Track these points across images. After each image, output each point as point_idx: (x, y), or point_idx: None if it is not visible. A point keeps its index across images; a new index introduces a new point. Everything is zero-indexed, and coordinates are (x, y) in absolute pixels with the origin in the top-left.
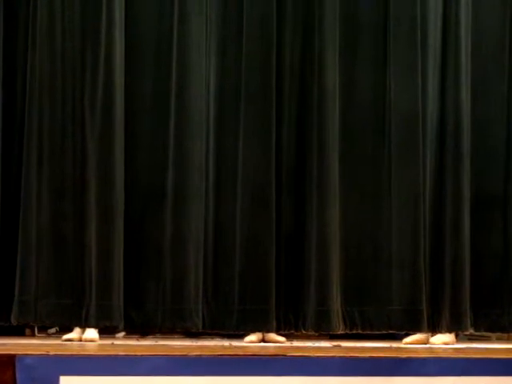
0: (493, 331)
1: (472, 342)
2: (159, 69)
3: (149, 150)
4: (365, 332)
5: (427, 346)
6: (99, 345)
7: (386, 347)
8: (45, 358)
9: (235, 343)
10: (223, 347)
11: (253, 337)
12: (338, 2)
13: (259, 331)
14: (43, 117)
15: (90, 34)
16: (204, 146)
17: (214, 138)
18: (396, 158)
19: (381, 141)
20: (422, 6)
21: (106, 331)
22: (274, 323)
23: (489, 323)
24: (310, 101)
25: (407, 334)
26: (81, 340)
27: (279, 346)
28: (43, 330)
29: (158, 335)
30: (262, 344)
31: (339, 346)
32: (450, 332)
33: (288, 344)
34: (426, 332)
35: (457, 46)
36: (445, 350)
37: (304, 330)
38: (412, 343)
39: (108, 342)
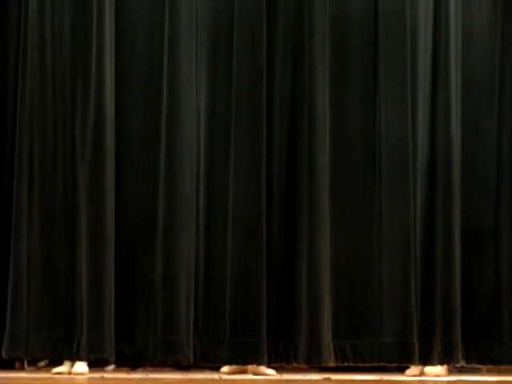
0: (484, 363)
1: (463, 375)
2: (149, 98)
3: (139, 181)
4: (356, 365)
5: (418, 378)
6: (89, 378)
7: (377, 380)
8: None
9: (225, 376)
10: (213, 380)
11: (225, 368)
12: (328, 30)
13: (250, 364)
14: (33, 146)
15: (81, 62)
16: (194, 177)
17: (205, 169)
18: (386, 188)
19: (371, 170)
20: (412, 35)
21: (95, 364)
22: (266, 356)
23: (480, 355)
24: (300, 128)
25: (398, 367)
26: (70, 373)
27: (269, 380)
28: (33, 363)
29: (148, 368)
30: (252, 377)
31: (329, 378)
32: (441, 364)
33: (278, 377)
34: (417, 364)
35: (447, 79)
36: (435, 382)
37: (295, 362)
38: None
39: (98, 375)
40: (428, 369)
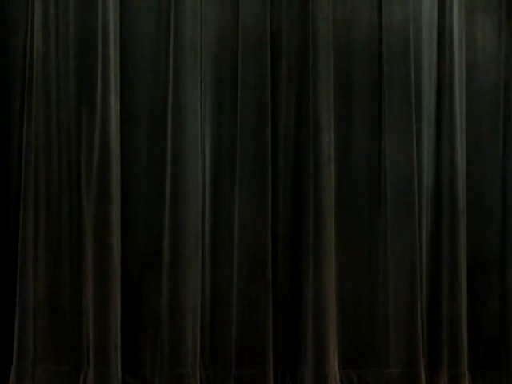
0: None
1: None
2: (155, 133)
3: (145, 215)
4: None
5: None
6: None
7: None
8: None
9: None
10: None
11: None
12: (332, 63)
13: None
14: (39, 182)
15: (86, 100)
16: (200, 211)
17: (210, 203)
18: (392, 220)
19: (376, 203)
20: (416, 67)
21: None
22: None
23: None
24: (305, 162)
25: None
26: None
27: None
28: None
29: None
30: None
31: None
32: None
33: None
34: None
35: (451, 109)
36: None
37: None
38: None
39: None
40: None
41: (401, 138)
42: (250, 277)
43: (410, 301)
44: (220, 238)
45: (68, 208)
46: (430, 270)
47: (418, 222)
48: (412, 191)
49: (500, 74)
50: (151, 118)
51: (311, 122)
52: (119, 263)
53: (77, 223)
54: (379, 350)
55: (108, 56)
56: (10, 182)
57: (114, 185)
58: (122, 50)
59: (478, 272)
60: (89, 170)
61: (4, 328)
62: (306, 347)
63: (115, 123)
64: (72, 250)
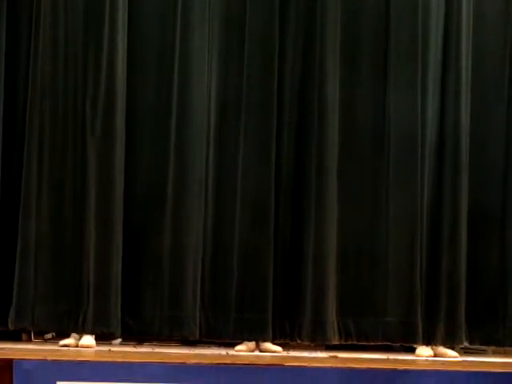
0: (487, 344)
1: (469, 356)
2: (161, 79)
3: (149, 160)
4: (359, 343)
5: (424, 358)
6: (96, 351)
7: (384, 359)
8: (42, 364)
9: (232, 352)
10: (220, 356)
11: (243, 346)
12: (339, 18)
13: (255, 340)
14: (44, 123)
15: (93, 41)
16: (204, 157)
17: (214, 150)
18: (394, 173)
19: (379, 157)
20: (423, 21)
21: (102, 338)
22: (271, 332)
23: (484, 337)
24: (310, 115)
25: (402, 346)
26: (77, 346)
27: (276, 356)
28: (40, 336)
29: (154, 343)
30: (259, 353)
31: (336, 356)
32: (444, 345)
33: (284, 354)
34: (421, 344)
35: (457, 64)
36: (442, 362)
37: (299, 339)
38: None
39: (105, 348)
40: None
41: (406, 91)
42: (251, 224)
43: (409, 252)
44: (223, 186)
45: (72, 148)
46: (431, 222)
47: (421, 175)
48: (415, 144)
49: (508, 30)
50: (158, 62)
51: (317, 72)
52: (122, 205)
53: (81, 164)
54: (377, 299)
55: (117, 1)
56: (15, 121)
57: (119, 127)
58: None
59: (479, 225)
60: (94, 111)
61: (5, 266)
62: (305, 295)
63: (122, 66)
64: (75, 190)
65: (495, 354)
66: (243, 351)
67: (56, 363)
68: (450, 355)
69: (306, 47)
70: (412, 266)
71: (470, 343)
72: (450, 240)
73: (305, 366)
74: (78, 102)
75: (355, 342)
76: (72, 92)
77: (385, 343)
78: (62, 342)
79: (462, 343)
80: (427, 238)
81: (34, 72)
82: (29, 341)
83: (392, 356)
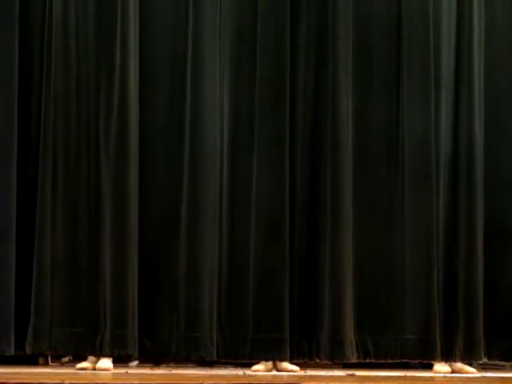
0: (506, 360)
1: (487, 372)
2: (173, 96)
3: (163, 180)
4: (378, 361)
5: (442, 374)
6: (113, 374)
7: (401, 376)
8: None
9: (249, 372)
10: (237, 376)
11: (260, 366)
12: (351, 31)
13: (273, 360)
14: (57, 145)
15: (105, 59)
16: (218, 176)
17: (228, 167)
18: (409, 187)
19: (394, 170)
20: (435, 34)
21: (119, 360)
22: (288, 352)
23: (502, 352)
24: (323, 128)
25: (421, 363)
26: (95, 369)
27: (293, 375)
28: (57, 359)
29: (171, 364)
30: (276, 373)
31: (353, 375)
32: (463, 361)
33: (302, 373)
34: (440, 361)
35: (470, 77)
36: (459, 378)
37: (318, 358)
38: None
39: (122, 371)
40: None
41: (419, 104)
42: (267, 242)
43: (426, 268)
44: (238, 203)
45: (86, 170)
46: (447, 236)
47: (436, 188)
48: (429, 157)
49: None
50: (170, 81)
51: (330, 86)
52: (137, 226)
53: (95, 185)
54: (395, 316)
55: (128, 19)
56: (28, 143)
57: (132, 148)
58: (141, 10)
59: (495, 240)
60: (107, 132)
61: (21, 291)
62: (322, 313)
63: (134, 84)
64: (90, 212)
65: None
66: (260, 371)
67: None
68: (468, 371)
69: (318, 60)
70: (429, 281)
71: (489, 359)
72: (467, 254)
73: None
74: (91, 124)
75: (373, 360)
76: (85, 113)
77: (403, 360)
78: (79, 366)
79: (480, 359)
80: (443, 253)
81: (47, 93)
82: (46, 364)
83: (409, 373)
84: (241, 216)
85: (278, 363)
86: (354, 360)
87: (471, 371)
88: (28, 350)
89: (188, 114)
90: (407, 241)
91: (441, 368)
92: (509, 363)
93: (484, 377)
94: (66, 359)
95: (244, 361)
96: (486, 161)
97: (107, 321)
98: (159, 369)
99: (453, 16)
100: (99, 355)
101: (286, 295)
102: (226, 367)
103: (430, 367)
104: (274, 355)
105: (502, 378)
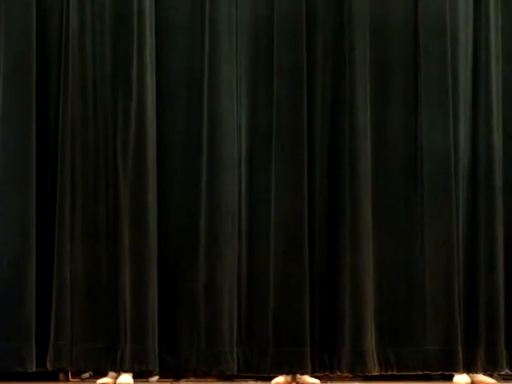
0: None
1: (508, 383)
2: (190, 112)
3: (181, 195)
4: (400, 373)
5: None
6: None
7: None
8: None
9: None
10: None
11: (280, 379)
12: (369, 43)
13: (294, 373)
14: (75, 162)
15: (122, 79)
16: (236, 191)
17: (246, 182)
18: (428, 199)
19: (413, 182)
20: (451, 47)
21: (139, 375)
22: (309, 365)
23: None
24: (341, 142)
25: (443, 375)
26: None
27: None
28: (77, 375)
29: (191, 379)
30: None
31: None
32: (485, 372)
33: None
34: (462, 372)
35: (488, 87)
36: None
37: (339, 371)
38: None
39: None
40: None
41: (437, 117)
42: (286, 255)
43: (446, 279)
44: (256, 217)
45: (105, 187)
46: (467, 248)
47: (455, 200)
48: (448, 171)
49: None
50: (187, 97)
51: (347, 101)
52: (156, 242)
53: (113, 203)
54: (417, 328)
55: (144, 34)
56: (46, 162)
57: (150, 163)
58: (157, 29)
59: None
60: (125, 150)
61: (42, 307)
62: (343, 326)
63: (151, 102)
64: (108, 229)
65: None
66: None
67: None
68: (489, 382)
69: (335, 76)
70: (450, 292)
71: (510, 369)
72: (487, 266)
73: None
74: (109, 142)
75: (395, 373)
76: (103, 131)
77: (425, 372)
78: (100, 381)
79: (502, 370)
80: (464, 264)
81: (64, 113)
82: (66, 380)
83: None
84: (260, 230)
85: (298, 376)
86: (376, 372)
87: (491, 382)
88: (49, 367)
89: (205, 130)
90: (427, 253)
91: (461, 379)
92: None
93: None
94: (86, 375)
95: (265, 375)
96: (505, 172)
97: (127, 336)
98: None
99: (470, 29)
100: (120, 370)
101: (306, 308)
102: (246, 381)
103: (449, 378)
104: (294, 369)
105: None
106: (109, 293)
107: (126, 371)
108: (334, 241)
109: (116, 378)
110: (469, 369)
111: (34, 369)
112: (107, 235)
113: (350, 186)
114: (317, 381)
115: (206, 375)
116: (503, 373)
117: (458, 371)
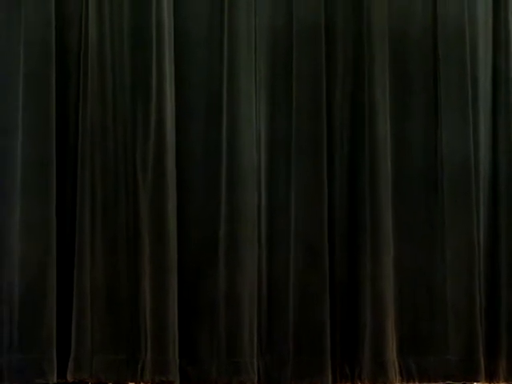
0: None
1: None
2: (210, 122)
3: (201, 204)
4: (421, 383)
5: None
6: None
7: None
8: None
9: None
10: None
11: None
12: (388, 50)
13: (315, 383)
14: (95, 172)
15: (141, 89)
16: (256, 199)
17: (266, 191)
18: (449, 210)
19: (433, 190)
20: (471, 56)
21: None
22: (330, 375)
23: None
24: (361, 151)
25: None
26: None
27: None
28: None
29: None
30: None
31: None
32: (507, 382)
33: None
34: (483, 382)
35: (508, 99)
36: None
37: (360, 381)
38: None
39: None
40: None
41: (457, 128)
42: (306, 264)
43: (468, 289)
44: (276, 227)
45: (124, 198)
46: (489, 257)
47: (476, 208)
48: (469, 178)
49: None
50: (206, 105)
51: (367, 111)
52: (175, 252)
53: (133, 213)
54: (438, 337)
55: (162, 45)
56: (66, 173)
57: (170, 174)
58: (176, 39)
59: None
60: (145, 160)
61: (62, 318)
62: (364, 335)
63: (170, 112)
64: (128, 239)
65: None
66: None
67: None
68: None
69: (354, 85)
70: (471, 301)
71: None
72: (509, 274)
73: None
74: (128, 152)
75: (417, 383)
76: (122, 141)
77: (446, 382)
78: None
79: None
80: (485, 273)
81: (84, 122)
82: None
83: None
84: (279, 239)
85: None
86: (397, 382)
87: None
88: (69, 378)
89: (224, 139)
90: (448, 261)
91: None
92: None
93: None
94: None
95: None
96: None
97: (148, 347)
98: None
99: (489, 37)
100: (140, 381)
101: (327, 318)
102: None
103: None
104: (315, 379)
105: None
106: (129, 303)
107: (146, 382)
108: (355, 249)
109: None
110: (490, 379)
111: (55, 380)
112: (127, 245)
113: (370, 194)
114: None
115: None
116: None
117: (479, 381)
